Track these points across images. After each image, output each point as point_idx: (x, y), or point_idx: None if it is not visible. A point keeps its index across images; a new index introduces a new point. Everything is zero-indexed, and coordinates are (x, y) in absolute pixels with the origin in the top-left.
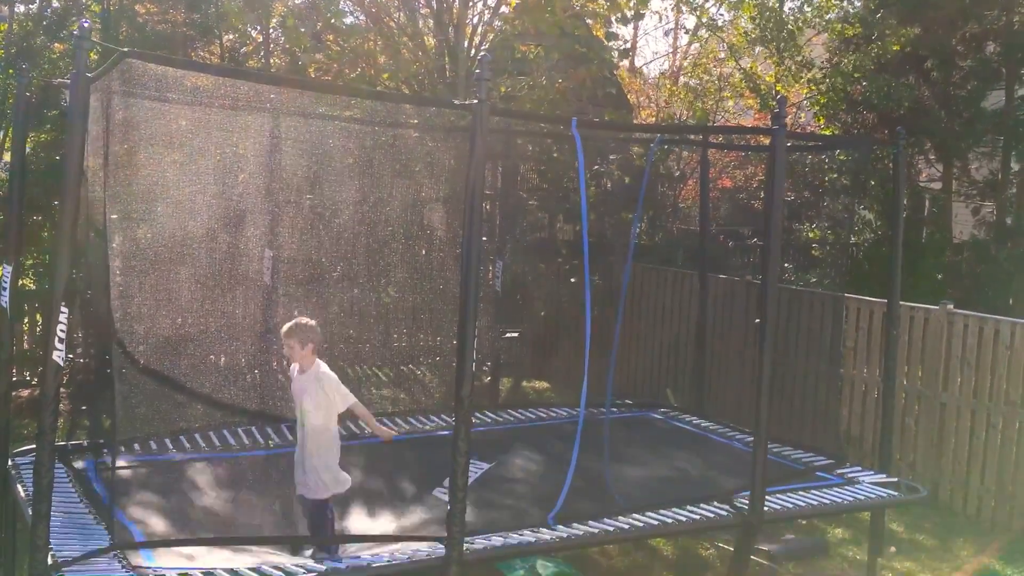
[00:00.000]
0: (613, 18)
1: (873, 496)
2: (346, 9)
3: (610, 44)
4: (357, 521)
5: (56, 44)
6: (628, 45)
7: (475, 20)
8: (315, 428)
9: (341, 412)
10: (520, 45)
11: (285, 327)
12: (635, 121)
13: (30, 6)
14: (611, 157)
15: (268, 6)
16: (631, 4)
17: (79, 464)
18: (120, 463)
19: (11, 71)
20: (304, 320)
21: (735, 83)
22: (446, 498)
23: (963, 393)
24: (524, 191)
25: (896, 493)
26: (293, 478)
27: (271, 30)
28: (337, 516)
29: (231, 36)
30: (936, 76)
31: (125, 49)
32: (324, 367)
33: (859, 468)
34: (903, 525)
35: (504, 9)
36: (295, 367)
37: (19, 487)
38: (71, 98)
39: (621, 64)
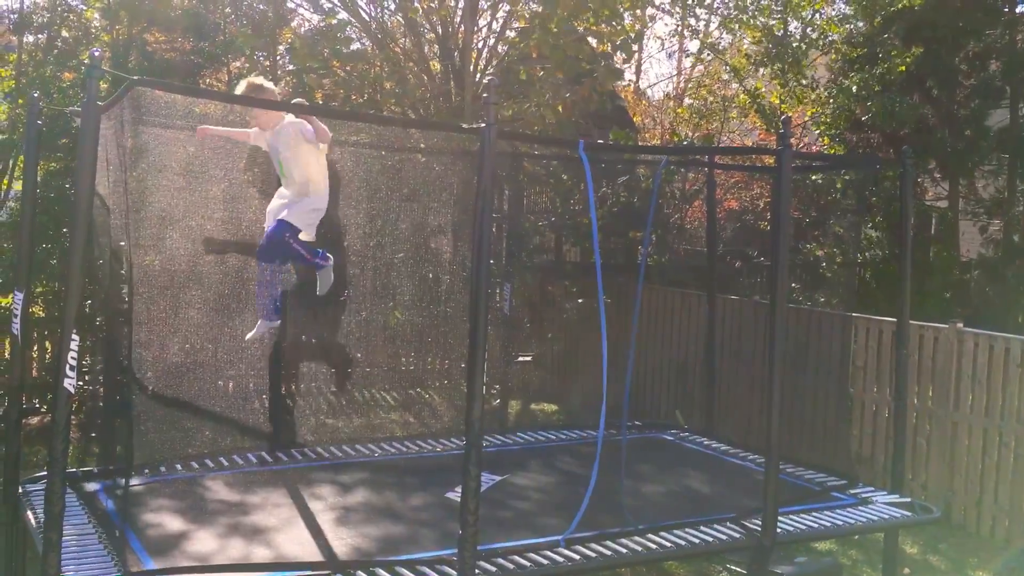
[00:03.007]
0: (617, 41)
1: (886, 517)
2: (352, 35)
3: (615, 55)
4: (367, 536)
5: (66, 73)
6: (633, 57)
7: (480, 45)
8: (298, 176)
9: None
10: (526, 68)
11: (241, 87)
12: (641, 143)
13: (40, 36)
14: (619, 180)
15: (275, 33)
16: (636, 27)
17: (90, 489)
18: (132, 484)
19: (21, 100)
20: (250, 84)
21: (740, 103)
22: (458, 499)
23: (974, 412)
24: (532, 213)
25: (909, 513)
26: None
27: (277, 57)
28: (345, 529)
29: (238, 63)
30: (940, 95)
31: (135, 77)
32: (289, 117)
33: (871, 488)
34: (917, 546)
35: (509, 33)
36: (259, 131)
37: (30, 514)
38: (82, 126)
39: (625, 75)
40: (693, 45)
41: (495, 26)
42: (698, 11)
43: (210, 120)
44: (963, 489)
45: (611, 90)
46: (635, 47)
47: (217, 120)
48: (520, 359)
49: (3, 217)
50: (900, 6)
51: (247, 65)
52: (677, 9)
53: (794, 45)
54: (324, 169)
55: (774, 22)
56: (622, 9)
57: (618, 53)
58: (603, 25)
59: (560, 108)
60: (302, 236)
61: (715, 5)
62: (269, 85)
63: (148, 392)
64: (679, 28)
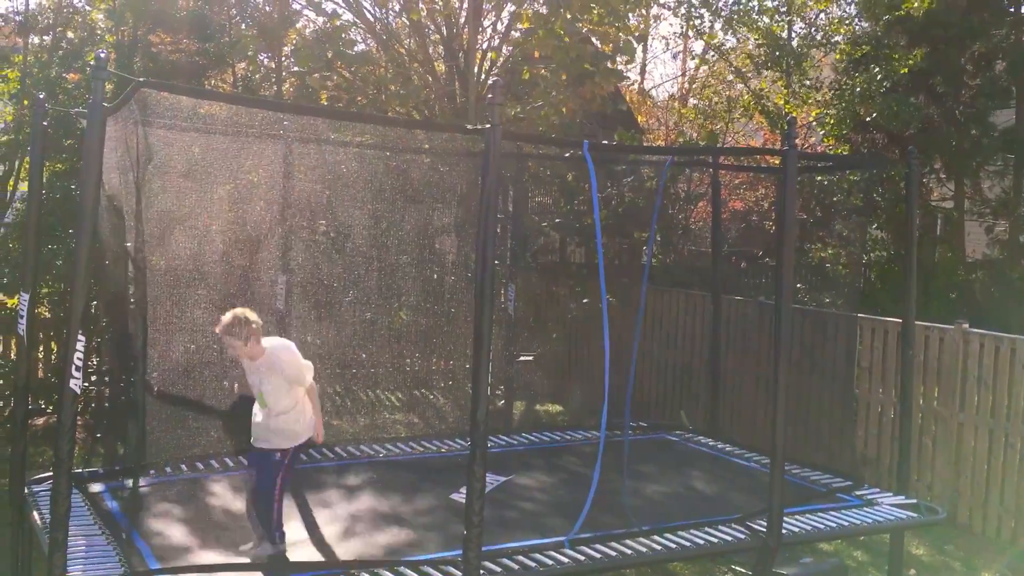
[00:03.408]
0: (620, 43)
1: (892, 518)
2: (357, 37)
3: (618, 56)
4: (371, 538)
5: (71, 74)
6: (635, 59)
7: (484, 46)
8: (279, 407)
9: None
10: (529, 69)
11: (219, 329)
12: (645, 143)
13: (45, 37)
14: (624, 181)
15: (280, 35)
16: (640, 27)
17: (96, 490)
18: (137, 486)
19: (26, 101)
20: (234, 316)
21: (745, 103)
22: (462, 500)
23: (980, 413)
24: (536, 214)
25: (915, 515)
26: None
27: (283, 58)
28: (350, 530)
29: (243, 65)
30: (945, 95)
31: (141, 79)
32: (277, 349)
33: (877, 489)
34: (922, 547)
35: (513, 34)
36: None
37: (36, 515)
38: (88, 128)
39: (627, 77)
40: (698, 46)
41: (499, 27)
42: (704, 13)
43: (216, 121)
44: (969, 490)
45: (615, 91)
46: (638, 46)
47: (223, 121)
48: (522, 358)
49: (9, 218)
50: (904, 10)
51: (251, 67)
52: (682, 11)
53: (795, 46)
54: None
55: (777, 23)
56: (624, 10)
57: (620, 56)
58: (607, 26)
59: (564, 109)
60: (302, 440)
61: (719, 6)
62: (253, 317)
63: (154, 393)
64: (684, 29)
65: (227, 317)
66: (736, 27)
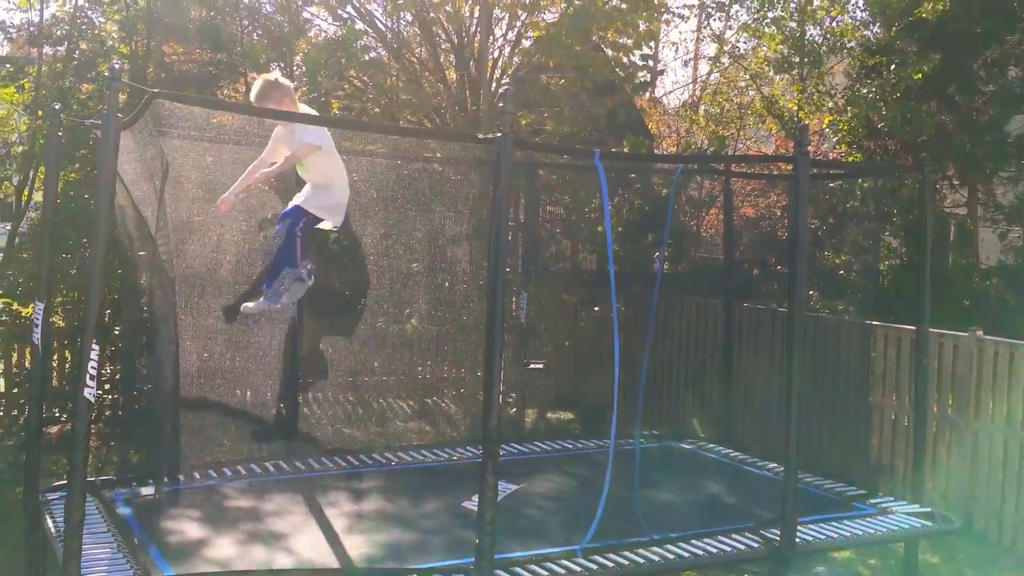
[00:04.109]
0: (629, 42)
1: (906, 527)
2: (369, 44)
3: (639, 64)
4: (382, 545)
5: (85, 85)
6: (649, 77)
7: (496, 54)
8: (318, 176)
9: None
10: (544, 77)
11: (253, 97)
12: (656, 151)
13: (58, 48)
14: (634, 187)
15: (291, 43)
16: (646, 30)
17: (109, 497)
18: (150, 494)
19: (40, 112)
20: (264, 80)
21: (756, 109)
22: (475, 508)
23: (995, 420)
24: (548, 222)
25: (930, 523)
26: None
27: (294, 68)
28: (361, 537)
29: (255, 74)
30: (958, 101)
31: (156, 90)
32: (304, 106)
33: (891, 498)
34: (938, 557)
35: (525, 43)
36: (273, 148)
37: (50, 522)
38: (103, 138)
39: (641, 94)
40: (710, 50)
41: (511, 35)
42: (717, 15)
43: (227, 129)
44: (984, 499)
45: (630, 103)
46: (649, 48)
47: (234, 129)
48: (532, 366)
49: (24, 228)
50: (916, 15)
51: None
52: (694, 15)
53: (816, 43)
54: (341, 165)
55: (794, 24)
56: (635, 18)
57: (643, 60)
58: (615, 32)
59: (581, 120)
60: (325, 224)
61: (734, 9)
62: (285, 81)
63: (167, 401)
64: (697, 32)
65: (258, 84)
66: (759, 28)
